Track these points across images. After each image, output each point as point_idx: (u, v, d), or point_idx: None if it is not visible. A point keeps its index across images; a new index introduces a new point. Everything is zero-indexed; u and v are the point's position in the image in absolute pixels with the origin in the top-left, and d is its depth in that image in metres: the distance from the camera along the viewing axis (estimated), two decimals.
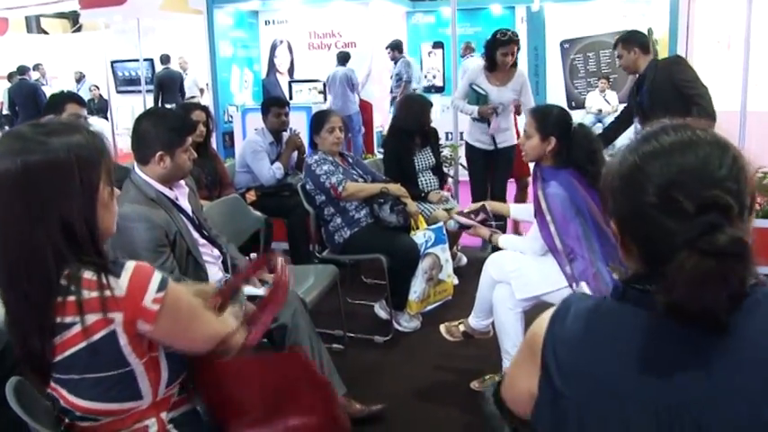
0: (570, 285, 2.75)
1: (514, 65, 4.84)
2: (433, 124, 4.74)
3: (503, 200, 4.60)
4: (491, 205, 3.34)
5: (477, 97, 4.83)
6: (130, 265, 1.39)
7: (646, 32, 8.59)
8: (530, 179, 3.89)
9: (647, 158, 1.00)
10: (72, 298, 1.34)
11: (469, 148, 4.99)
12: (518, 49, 4.81)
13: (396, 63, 10.33)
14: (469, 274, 4.59)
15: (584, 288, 2.68)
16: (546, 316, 1.12)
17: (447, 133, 7.10)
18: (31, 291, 1.36)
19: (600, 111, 9.19)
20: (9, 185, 1.35)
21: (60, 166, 1.36)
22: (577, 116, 9.02)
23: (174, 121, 2.56)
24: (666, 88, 4.21)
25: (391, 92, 10.02)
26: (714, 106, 4.15)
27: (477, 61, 9.85)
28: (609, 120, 9.29)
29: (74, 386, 1.42)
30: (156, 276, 1.40)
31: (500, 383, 1.29)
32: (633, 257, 1.05)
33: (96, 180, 1.41)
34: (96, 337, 1.35)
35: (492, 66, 4.79)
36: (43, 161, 1.35)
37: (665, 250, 0.93)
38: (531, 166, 3.14)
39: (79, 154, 1.38)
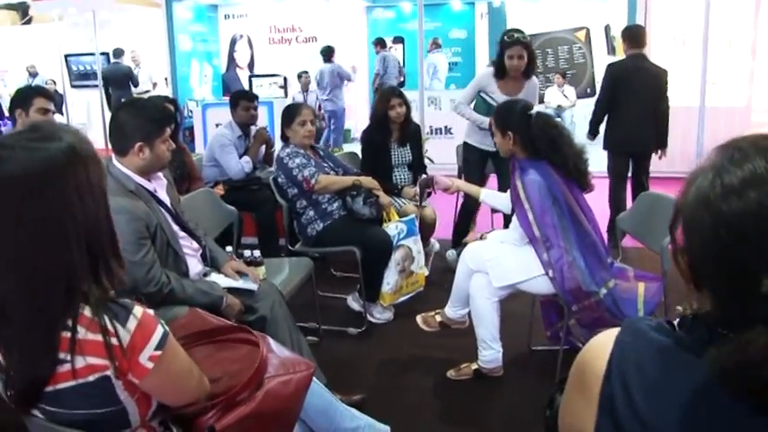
0: (546, 272, 2.82)
1: (527, 75, 4.40)
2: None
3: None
4: (461, 185, 3.49)
5: (487, 108, 4.41)
6: (138, 313, 1.32)
7: (603, 29, 8.84)
8: None
9: (720, 196, 0.87)
10: (66, 334, 1.27)
11: (467, 147, 4.70)
12: (530, 54, 4.32)
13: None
14: (439, 267, 4.65)
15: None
16: (601, 343, 1.00)
17: None
18: (51, 311, 1.28)
19: (559, 106, 9.33)
20: (26, 190, 1.26)
21: (70, 166, 1.29)
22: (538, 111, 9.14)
23: (152, 111, 2.54)
24: None
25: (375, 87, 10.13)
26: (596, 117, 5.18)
27: (440, 57, 10.03)
28: (567, 114, 9.48)
29: (58, 419, 1.36)
30: (159, 331, 1.34)
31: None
32: (705, 296, 0.93)
33: (102, 179, 1.39)
34: (89, 379, 1.29)
35: (501, 72, 4.38)
36: (55, 159, 1.28)
37: (741, 302, 0.85)
38: None
39: (84, 153, 1.33)
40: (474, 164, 4.70)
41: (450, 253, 4.66)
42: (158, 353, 1.32)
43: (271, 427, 1.66)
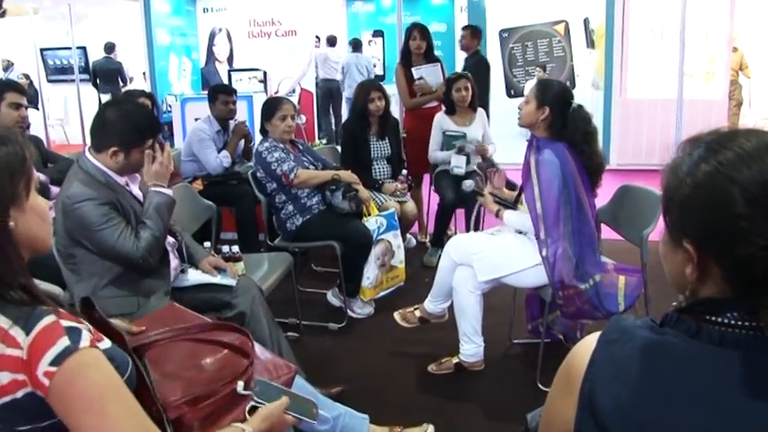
0: (540, 251, 2.79)
1: (472, 107, 4.83)
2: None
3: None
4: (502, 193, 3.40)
5: (456, 139, 4.73)
6: (47, 320, 1.19)
7: (582, 22, 8.86)
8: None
9: (732, 164, 0.88)
10: None
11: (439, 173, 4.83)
12: (473, 87, 4.77)
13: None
14: (416, 262, 4.64)
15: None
16: (588, 342, 0.98)
17: None
18: None
19: None
20: None
21: None
22: (517, 104, 9.17)
23: (140, 119, 2.47)
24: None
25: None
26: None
27: None
28: None
29: None
30: (60, 343, 1.17)
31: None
32: (712, 281, 0.92)
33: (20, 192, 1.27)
34: (17, 395, 1.19)
35: (451, 108, 4.81)
36: None
37: (763, 270, 0.85)
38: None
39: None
40: (449, 180, 4.70)
41: (433, 251, 4.65)
42: (53, 369, 1.16)
43: None
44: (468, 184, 3.22)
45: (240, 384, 1.55)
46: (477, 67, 5.70)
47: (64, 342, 1.18)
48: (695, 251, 0.91)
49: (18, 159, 1.27)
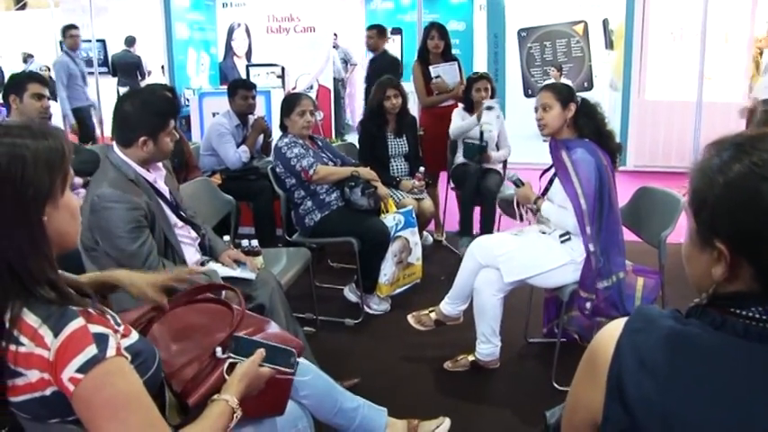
0: (587, 246, 2.78)
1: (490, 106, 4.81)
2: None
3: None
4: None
5: (479, 148, 4.70)
6: (75, 324, 1.21)
7: (601, 23, 8.83)
8: None
9: (766, 165, 0.89)
10: (13, 347, 1.20)
11: (458, 167, 4.87)
12: (492, 88, 4.84)
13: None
14: (433, 260, 4.65)
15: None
16: (612, 328, 1.00)
17: None
18: None
19: None
20: None
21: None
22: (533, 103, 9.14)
23: (158, 104, 2.51)
24: None
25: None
26: None
27: None
28: None
29: (35, 425, 1.30)
30: (88, 351, 1.19)
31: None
32: (741, 280, 0.93)
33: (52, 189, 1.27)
34: (46, 393, 1.22)
35: (470, 106, 4.84)
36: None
37: None
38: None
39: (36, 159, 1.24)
40: (466, 174, 4.73)
41: (464, 240, 4.63)
42: (80, 376, 1.18)
43: (262, 405, 1.65)
44: (512, 174, 3.24)
45: (218, 350, 1.58)
46: (389, 66, 5.81)
47: (92, 350, 1.20)
48: (728, 251, 0.92)
49: (58, 155, 1.28)
